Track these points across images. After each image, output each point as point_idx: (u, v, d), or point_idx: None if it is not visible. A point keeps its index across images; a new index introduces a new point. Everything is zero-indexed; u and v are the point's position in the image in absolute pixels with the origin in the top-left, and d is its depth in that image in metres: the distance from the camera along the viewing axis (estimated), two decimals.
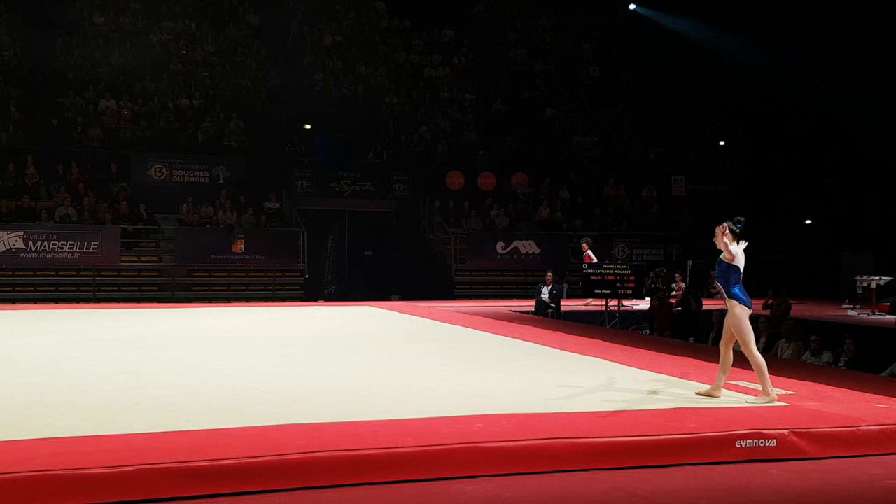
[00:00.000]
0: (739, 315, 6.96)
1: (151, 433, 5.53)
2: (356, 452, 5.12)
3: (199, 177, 22.25)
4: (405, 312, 15.77)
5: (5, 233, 18.80)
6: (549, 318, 16.35)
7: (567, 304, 17.67)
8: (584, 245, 18.67)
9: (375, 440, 5.35)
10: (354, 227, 24.07)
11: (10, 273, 18.91)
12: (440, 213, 23.32)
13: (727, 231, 7.02)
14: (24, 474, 4.53)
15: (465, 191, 24.47)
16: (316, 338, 11.77)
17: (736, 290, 6.98)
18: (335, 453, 5.09)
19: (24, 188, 20.45)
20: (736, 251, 6.97)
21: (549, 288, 17.07)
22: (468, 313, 15.43)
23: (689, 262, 20.44)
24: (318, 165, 23.56)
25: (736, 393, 7.31)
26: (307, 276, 21.25)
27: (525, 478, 5.23)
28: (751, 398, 7.01)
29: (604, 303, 16.47)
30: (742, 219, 7.16)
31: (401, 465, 5.12)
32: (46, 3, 24.19)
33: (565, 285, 18.87)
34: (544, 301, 17.01)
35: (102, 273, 19.56)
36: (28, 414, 6.20)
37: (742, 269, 7.01)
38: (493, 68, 28.30)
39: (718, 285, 7.22)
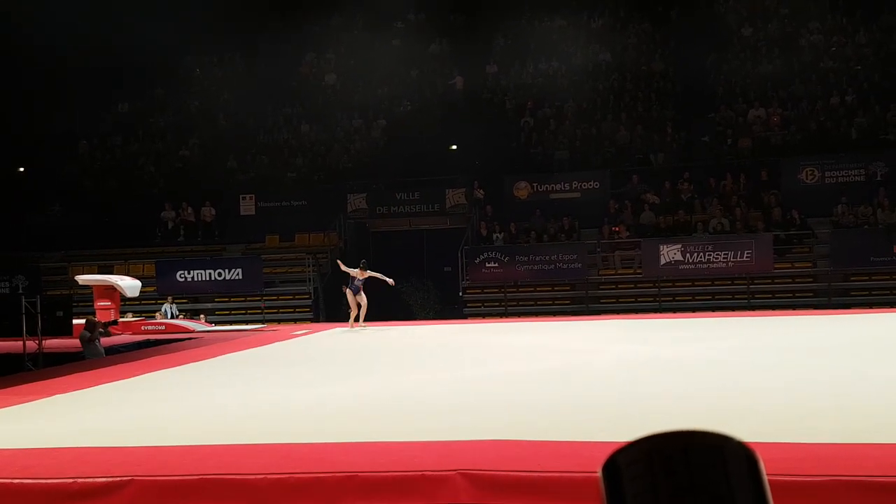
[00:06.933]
0: None
1: (840, 444, 5.17)
2: None
3: (854, 175, 20.92)
4: None
5: (665, 246, 20.14)
6: None
7: None
8: None
9: None
10: None
11: (671, 284, 20.19)
12: None
13: None
14: None
15: None
16: None
17: None
18: None
19: (680, 203, 21.69)
20: None
21: None
22: None
23: None
24: None
25: None
26: None
27: None
28: None
29: None
30: None
31: None
32: (698, 25, 25.42)
33: None
34: None
35: (756, 281, 19.67)
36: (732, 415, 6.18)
37: None
38: None
39: None
